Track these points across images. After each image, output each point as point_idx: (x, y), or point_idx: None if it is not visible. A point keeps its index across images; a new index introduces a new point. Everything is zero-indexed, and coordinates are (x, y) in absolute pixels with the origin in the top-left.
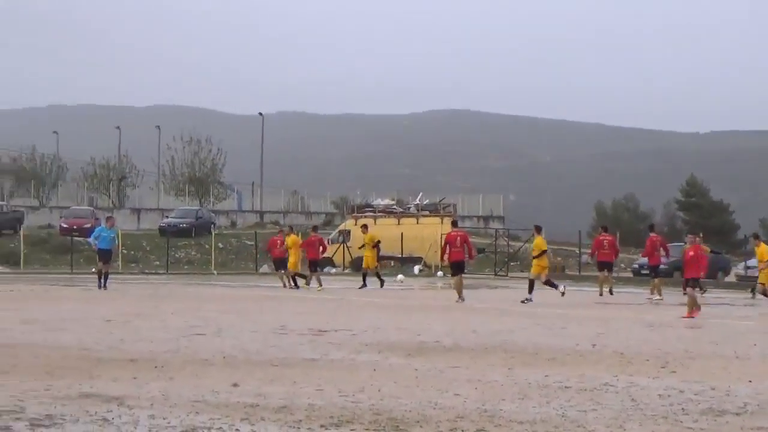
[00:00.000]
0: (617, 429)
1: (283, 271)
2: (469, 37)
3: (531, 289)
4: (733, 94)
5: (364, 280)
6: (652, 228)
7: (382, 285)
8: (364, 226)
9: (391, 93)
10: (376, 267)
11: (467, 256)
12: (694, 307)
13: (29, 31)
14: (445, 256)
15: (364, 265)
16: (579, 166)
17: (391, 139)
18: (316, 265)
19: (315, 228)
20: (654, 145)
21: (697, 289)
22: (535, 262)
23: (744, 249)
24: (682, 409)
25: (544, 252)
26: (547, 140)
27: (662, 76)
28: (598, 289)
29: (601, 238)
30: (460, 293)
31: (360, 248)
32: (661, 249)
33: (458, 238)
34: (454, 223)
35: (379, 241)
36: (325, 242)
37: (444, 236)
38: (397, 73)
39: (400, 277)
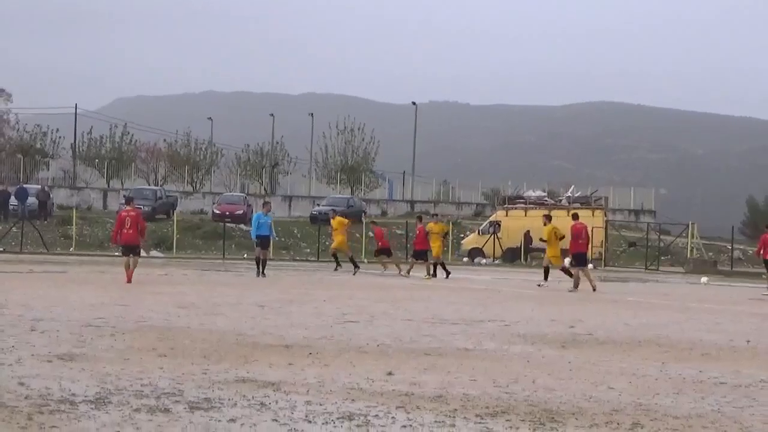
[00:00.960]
0: None
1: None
2: (626, 28)
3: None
4: None
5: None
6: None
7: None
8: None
9: (544, 84)
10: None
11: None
12: None
13: (187, 23)
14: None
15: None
16: (731, 161)
17: (543, 130)
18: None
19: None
20: None
21: None
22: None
23: None
24: None
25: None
26: (699, 133)
27: None
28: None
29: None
30: (587, 283)
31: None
32: None
33: (584, 230)
34: (575, 216)
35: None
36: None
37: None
38: (551, 63)
39: (704, 279)
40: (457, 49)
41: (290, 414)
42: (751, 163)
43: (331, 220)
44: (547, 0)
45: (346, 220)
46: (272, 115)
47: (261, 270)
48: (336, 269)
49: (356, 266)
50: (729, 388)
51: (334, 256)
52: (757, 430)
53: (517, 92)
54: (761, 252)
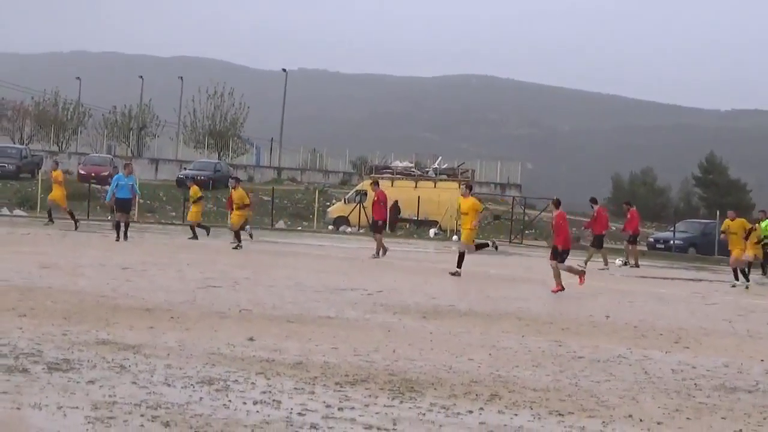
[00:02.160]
0: (630, 401)
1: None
2: (498, 3)
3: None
4: (758, 73)
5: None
6: (629, 203)
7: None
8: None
9: (416, 56)
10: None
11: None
12: None
13: None
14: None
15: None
16: (598, 138)
17: (413, 102)
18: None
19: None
20: (674, 120)
21: None
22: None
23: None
24: (695, 384)
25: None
26: (567, 110)
27: (686, 51)
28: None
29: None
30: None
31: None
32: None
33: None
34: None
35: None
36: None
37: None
38: (423, 35)
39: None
40: (330, 16)
41: (149, 377)
42: (617, 141)
43: (190, 189)
44: None
45: (247, 198)
46: (141, 77)
47: (122, 234)
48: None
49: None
50: (587, 362)
51: (193, 228)
52: (612, 404)
53: (388, 62)
54: (626, 227)
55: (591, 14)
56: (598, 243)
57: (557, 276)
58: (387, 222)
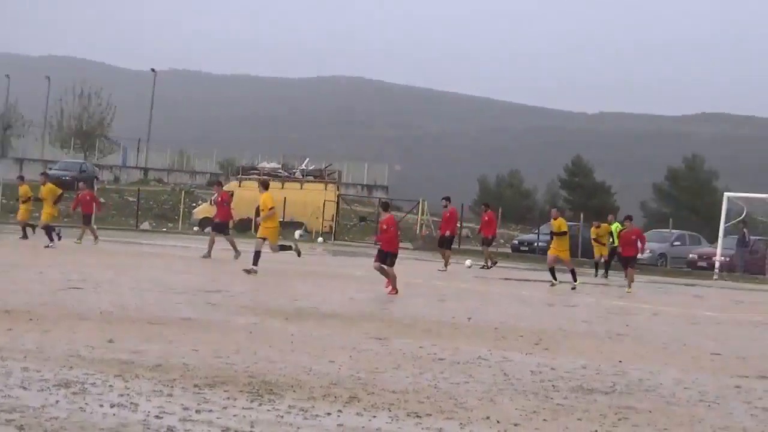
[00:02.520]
0: (488, 402)
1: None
2: (367, 5)
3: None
4: (624, 75)
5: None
6: (488, 206)
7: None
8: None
9: (286, 57)
10: None
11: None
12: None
13: None
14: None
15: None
16: (466, 140)
17: (282, 103)
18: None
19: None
20: (542, 122)
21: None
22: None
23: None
24: (553, 386)
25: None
26: (436, 112)
27: (552, 54)
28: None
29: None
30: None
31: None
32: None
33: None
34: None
35: None
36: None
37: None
38: (293, 36)
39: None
40: (199, 16)
41: (5, 380)
42: (485, 143)
43: (41, 187)
44: None
45: (59, 190)
46: (8, 76)
47: None
48: (24, 237)
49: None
50: (447, 364)
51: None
52: (470, 406)
53: (258, 63)
54: (482, 230)
55: (459, 17)
56: (445, 243)
57: (392, 277)
58: (230, 223)
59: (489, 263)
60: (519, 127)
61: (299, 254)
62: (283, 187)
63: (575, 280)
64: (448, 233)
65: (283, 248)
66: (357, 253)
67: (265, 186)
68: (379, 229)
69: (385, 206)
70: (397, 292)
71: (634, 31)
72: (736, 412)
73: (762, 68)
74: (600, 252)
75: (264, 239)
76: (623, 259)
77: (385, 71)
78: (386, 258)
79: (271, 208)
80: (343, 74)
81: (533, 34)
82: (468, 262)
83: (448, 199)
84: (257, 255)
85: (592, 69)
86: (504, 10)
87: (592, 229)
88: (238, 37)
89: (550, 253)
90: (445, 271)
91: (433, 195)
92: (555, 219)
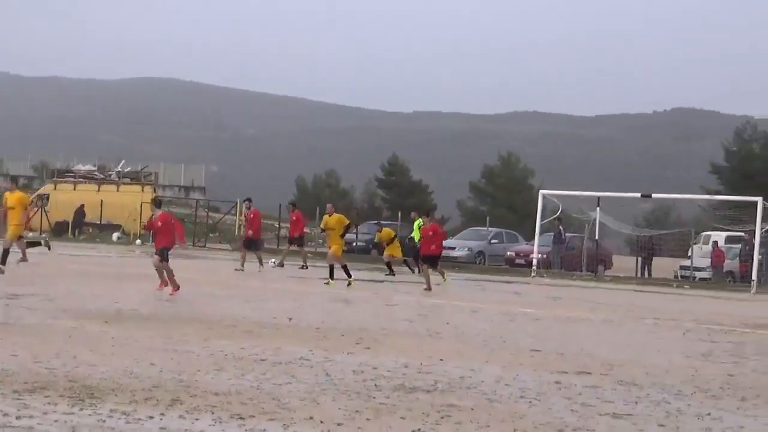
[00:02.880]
0: (311, 403)
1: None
2: (180, 6)
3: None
4: (438, 75)
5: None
6: (294, 205)
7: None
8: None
9: (98, 58)
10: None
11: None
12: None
13: None
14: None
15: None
16: (283, 140)
17: (97, 104)
18: None
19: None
20: (358, 122)
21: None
22: None
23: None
24: (375, 385)
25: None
26: (252, 113)
27: (369, 55)
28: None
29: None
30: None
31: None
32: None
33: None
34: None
35: None
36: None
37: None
38: (104, 36)
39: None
40: (9, 18)
41: None
42: (302, 143)
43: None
44: None
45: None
46: None
47: None
48: None
49: None
50: (269, 365)
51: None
52: (293, 406)
53: (70, 64)
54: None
55: (274, 18)
56: (250, 245)
57: (169, 275)
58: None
59: (305, 264)
60: (335, 128)
61: (49, 248)
62: (99, 190)
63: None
64: (251, 233)
65: (31, 244)
66: (175, 255)
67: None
68: (157, 227)
69: (158, 203)
70: (178, 288)
71: (446, 32)
72: (556, 407)
73: (574, 67)
74: (390, 252)
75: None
76: (423, 257)
77: (199, 72)
78: (163, 253)
79: (11, 208)
80: (158, 75)
81: (348, 36)
82: (272, 261)
83: (249, 200)
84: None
85: (405, 69)
86: (318, 11)
87: (377, 233)
88: (48, 38)
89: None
90: (242, 270)
91: (252, 196)
92: (330, 215)
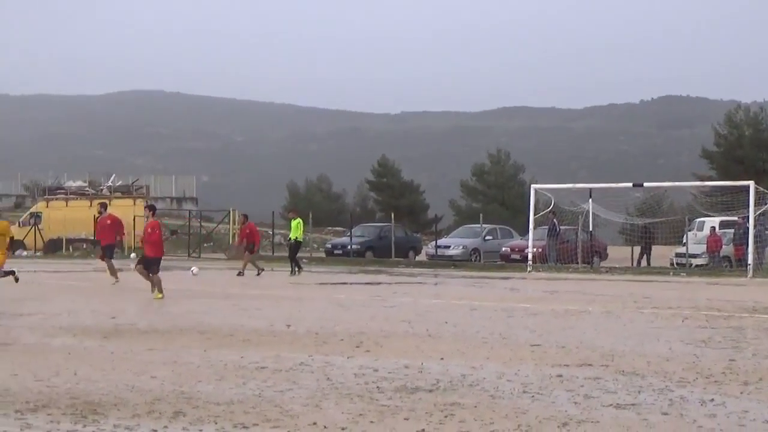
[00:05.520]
0: (314, 408)
1: None
2: (163, 18)
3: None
4: (426, 74)
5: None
6: (246, 217)
7: None
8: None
9: (84, 73)
10: None
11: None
12: None
13: None
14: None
15: None
16: (272, 147)
17: (84, 120)
18: None
19: None
20: (346, 125)
21: None
22: None
23: (434, 229)
24: (377, 387)
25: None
26: (239, 121)
27: (351, 56)
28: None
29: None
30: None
31: None
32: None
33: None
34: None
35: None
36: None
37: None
38: (88, 53)
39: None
40: None
41: None
42: (290, 148)
43: None
44: None
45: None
46: None
47: None
48: None
49: None
50: (270, 372)
51: None
52: (296, 412)
53: (57, 82)
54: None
55: (251, 26)
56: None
57: (156, 283)
58: None
59: (257, 269)
60: (324, 131)
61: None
62: (91, 205)
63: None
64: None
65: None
66: (170, 267)
67: None
68: (144, 233)
69: (152, 209)
70: (162, 297)
71: (428, 30)
72: (559, 401)
73: (560, 60)
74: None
75: None
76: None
77: (183, 83)
78: (151, 264)
79: None
80: (142, 88)
81: (331, 38)
82: (194, 269)
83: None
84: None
85: (390, 69)
86: (296, 19)
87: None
88: (35, 56)
89: None
90: (243, 275)
91: (244, 204)
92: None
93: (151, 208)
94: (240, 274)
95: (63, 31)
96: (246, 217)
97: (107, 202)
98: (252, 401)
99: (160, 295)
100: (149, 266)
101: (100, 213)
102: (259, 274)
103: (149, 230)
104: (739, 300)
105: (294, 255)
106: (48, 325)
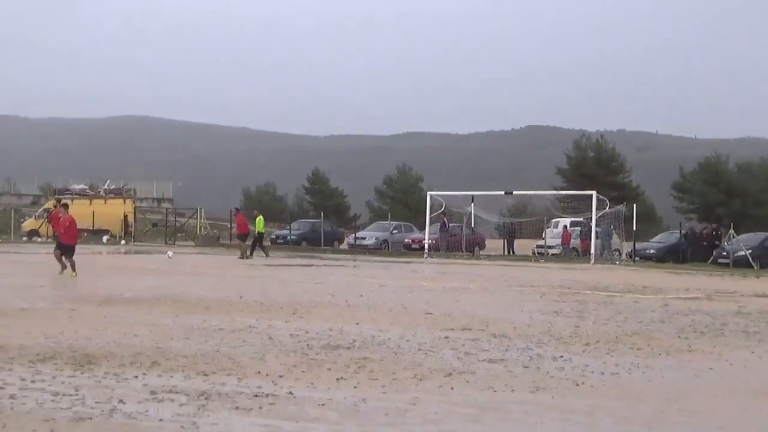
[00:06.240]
0: (259, 360)
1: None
2: (157, 57)
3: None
4: (351, 103)
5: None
6: (238, 210)
7: None
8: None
9: (89, 100)
10: None
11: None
12: None
13: None
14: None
15: None
16: (231, 159)
17: (87, 138)
18: None
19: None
20: (289, 144)
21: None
22: None
23: (353, 224)
24: (308, 344)
25: None
26: (205, 139)
27: (290, 87)
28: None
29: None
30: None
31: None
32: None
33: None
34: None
35: None
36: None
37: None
38: (92, 84)
39: (169, 253)
40: (23, 65)
41: None
42: (246, 161)
43: None
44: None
45: None
46: None
47: None
48: None
49: None
50: (226, 333)
51: None
52: (245, 364)
53: (66, 108)
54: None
55: (222, 63)
56: (241, 237)
57: (72, 264)
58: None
59: (246, 255)
60: (271, 148)
61: None
62: (91, 203)
63: None
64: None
65: None
66: (151, 251)
67: None
68: (61, 226)
69: (66, 207)
70: (76, 275)
71: (351, 66)
72: (446, 356)
73: (452, 94)
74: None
75: None
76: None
77: (166, 109)
78: (67, 250)
79: None
80: (133, 114)
81: (279, 73)
82: (170, 253)
83: (239, 208)
84: None
85: (324, 98)
86: (236, 48)
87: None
88: (49, 87)
89: None
90: (243, 259)
91: (209, 204)
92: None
93: (65, 207)
94: (248, 257)
95: (71, 66)
96: (238, 210)
97: (69, 203)
98: (211, 355)
99: (74, 274)
100: (66, 251)
101: (55, 207)
102: (242, 257)
103: (67, 224)
104: (583, 281)
105: (260, 243)
106: (55, 295)
